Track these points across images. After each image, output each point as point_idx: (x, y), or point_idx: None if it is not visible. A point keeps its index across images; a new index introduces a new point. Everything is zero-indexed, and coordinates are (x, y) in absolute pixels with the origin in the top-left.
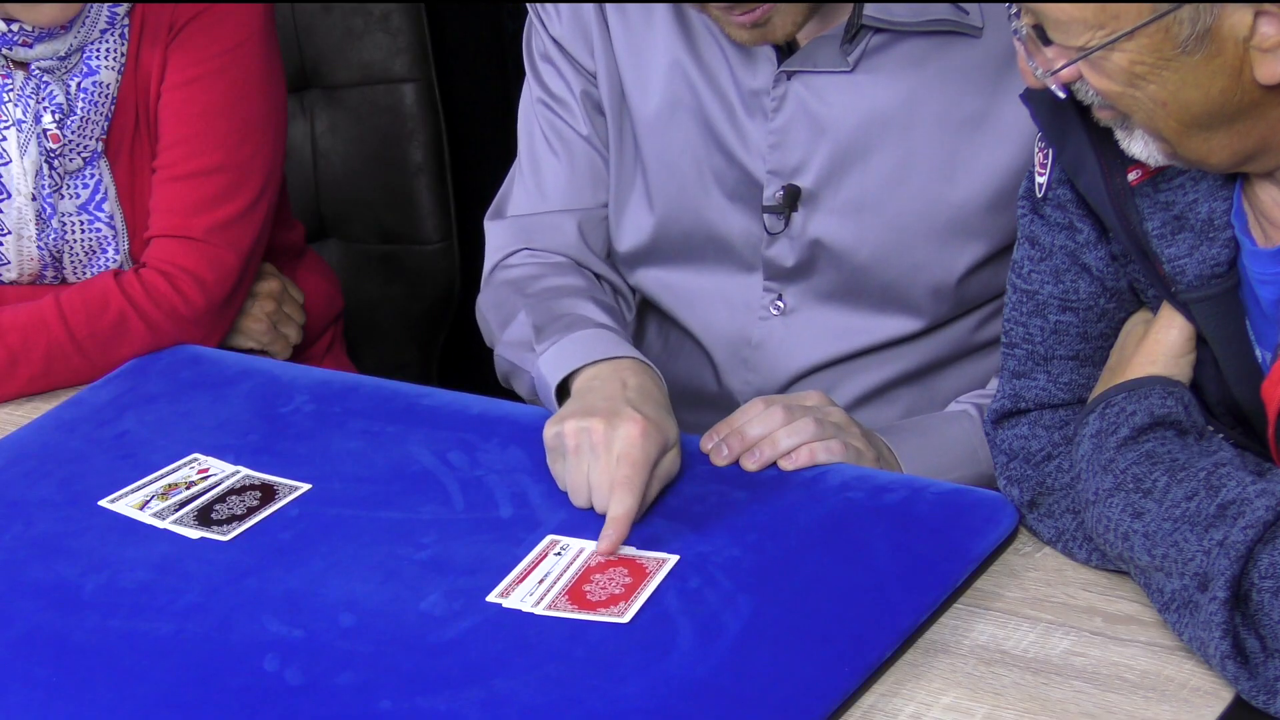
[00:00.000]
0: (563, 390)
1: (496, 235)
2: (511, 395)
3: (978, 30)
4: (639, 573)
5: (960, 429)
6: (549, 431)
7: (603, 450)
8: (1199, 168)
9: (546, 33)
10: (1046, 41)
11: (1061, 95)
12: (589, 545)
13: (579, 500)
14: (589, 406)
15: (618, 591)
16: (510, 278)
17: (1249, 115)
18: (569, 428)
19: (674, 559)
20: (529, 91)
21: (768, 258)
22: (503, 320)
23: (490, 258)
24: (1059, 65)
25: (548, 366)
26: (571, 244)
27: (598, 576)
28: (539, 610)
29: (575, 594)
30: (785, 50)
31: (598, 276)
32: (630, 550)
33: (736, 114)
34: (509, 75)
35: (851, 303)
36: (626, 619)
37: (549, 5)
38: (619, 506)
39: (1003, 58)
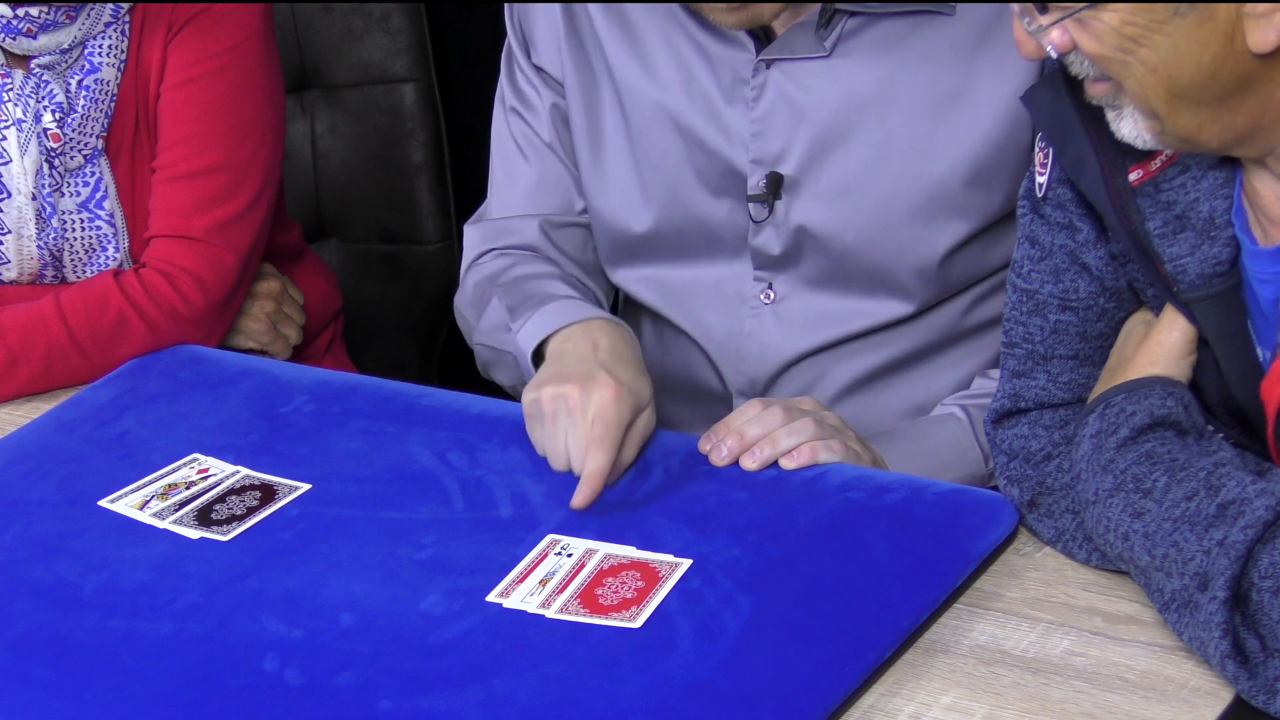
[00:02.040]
0: (539, 360)
1: (470, 238)
2: (512, 395)
3: (951, 8)
4: (651, 577)
5: (949, 432)
6: (527, 398)
7: (579, 415)
8: (1188, 148)
9: (520, 38)
10: (1044, 8)
11: (1054, 55)
12: (599, 547)
13: (558, 464)
14: (563, 372)
15: (630, 596)
16: (482, 274)
17: (1240, 89)
18: (545, 394)
19: (686, 563)
20: (503, 97)
21: (755, 246)
22: (479, 311)
23: (464, 260)
24: (1050, 23)
25: (524, 339)
26: (535, 241)
27: (610, 580)
28: (550, 614)
29: (587, 597)
30: (763, 39)
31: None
32: (644, 554)
33: (717, 107)
34: None
35: (840, 288)
36: (638, 624)
37: (520, 10)
38: (593, 464)
39: (978, 35)
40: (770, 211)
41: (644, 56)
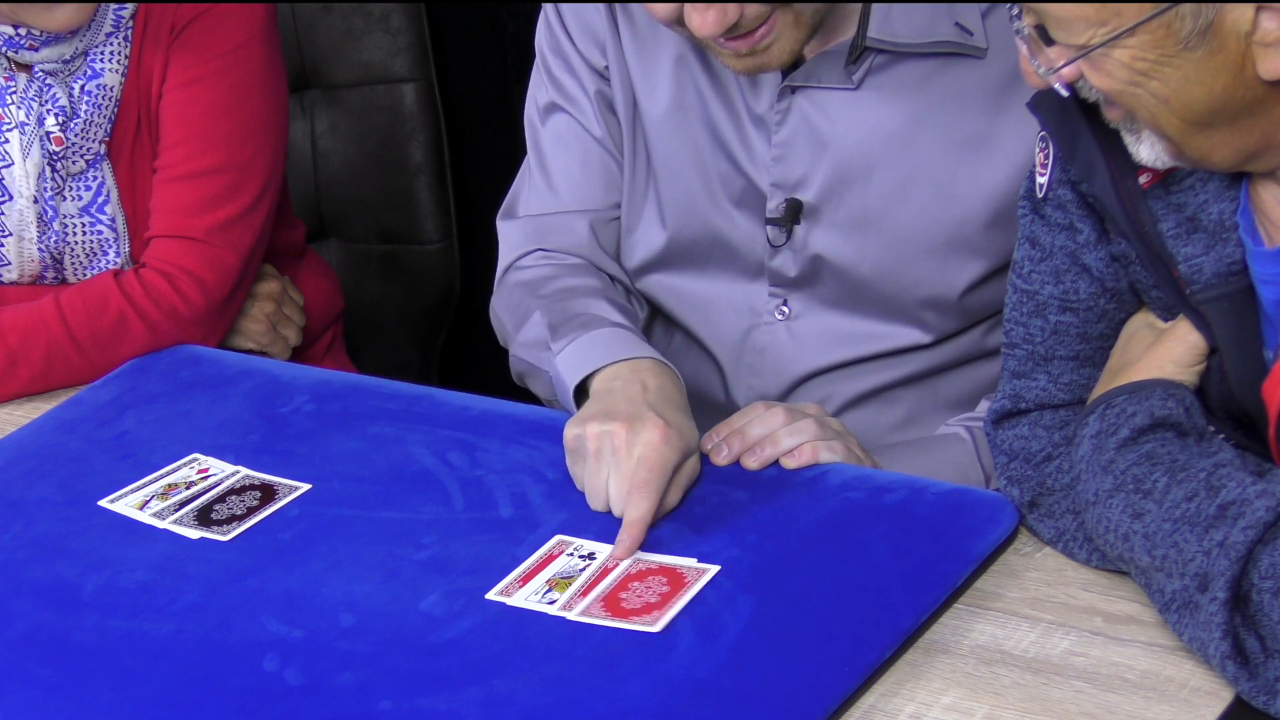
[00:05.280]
0: (581, 390)
1: (509, 236)
2: (512, 395)
3: (981, 51)
4: (678, 582)
5: (951, 452)
6: (570, 433)
7: (624, 455)
8: (1202, 167)
9: (562, 30)
10: (1049, 41)
11: (1065, 93)
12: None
13: (597, 503)
14: (610, 409)
15: (653, 600)
16: (524, 279)
17: (1251, 112)
18: (590, 430)
19: (714, 569)
20: (540, 90)
21: (771, 268)
22: (518, 321)
23: (503, 259)
24: (1061, 64)
25: (565, 366)
26: (584, 244)
27: (635, 584)
28: (572, 616)
29: (610, 601)
30: (790, 65)
31: (611, 278)
32: (672, 559)
33: (742, 123)
34: (509, 75)
35: (857, 310)
36: (658, 628)
37: (563, 4)
38: (635, 510)
39: (1006, 79)
40: (788, 236)
41: (672, 64)
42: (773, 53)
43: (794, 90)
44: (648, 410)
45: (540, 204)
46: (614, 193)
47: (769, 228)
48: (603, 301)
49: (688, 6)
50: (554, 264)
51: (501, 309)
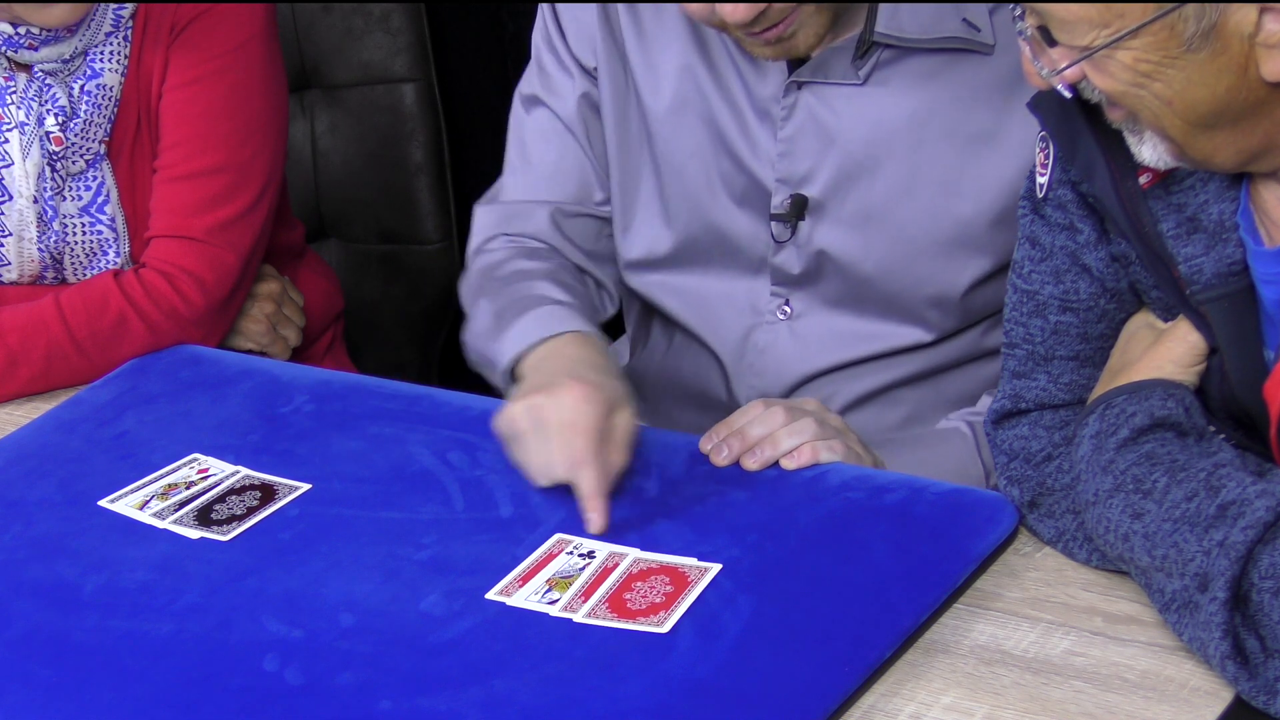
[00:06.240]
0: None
1: (479, 219)
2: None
3: (989, 48)
4: (681, 581)
5: (952, 447)
6: (499, 423)
7: (553, 423)
8: (1205, 168)
9: (556, 28)
10: (1052, 42)
11: (1068, 95)
12: (628, 552)
13: (543, 479)
14: (533, 385)
15: (658, 600)
16: (484, 263)
17: (1254, 114)
18: (517, 411)
19: (716, 568)
20: (527, 83)
21: (774, 264)
22: (471, 309)
23: (471, 242)
24: (1064, 65)
25: (501, 356)
26: (544, 232)
27: (639, 585)
28: (578, 618)
29: (615, 602)
30: (796, 60)
31: (578, 268)
32: (673, 558)
33: (746, 120)
34: (509, 75)
35: (859, 310)
36: (665, 629)
37: (560, 3)
38: (585, 483)
39: (1013, 76)
40: (793, 232)
41: (676, 62)
42: (799, 38)
43: (800, 85)
44: (565, 376)
45: (512, 191)
46: (587, 190)
47: (773, 224)
48: (545, 281)
49: None
50: (514, 246)
51: (466, 293)
